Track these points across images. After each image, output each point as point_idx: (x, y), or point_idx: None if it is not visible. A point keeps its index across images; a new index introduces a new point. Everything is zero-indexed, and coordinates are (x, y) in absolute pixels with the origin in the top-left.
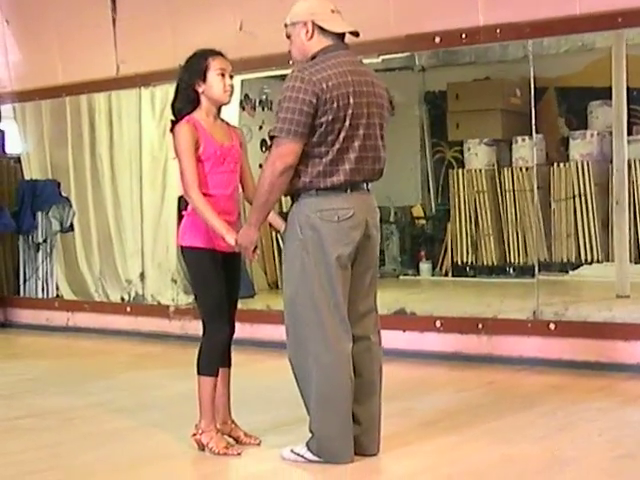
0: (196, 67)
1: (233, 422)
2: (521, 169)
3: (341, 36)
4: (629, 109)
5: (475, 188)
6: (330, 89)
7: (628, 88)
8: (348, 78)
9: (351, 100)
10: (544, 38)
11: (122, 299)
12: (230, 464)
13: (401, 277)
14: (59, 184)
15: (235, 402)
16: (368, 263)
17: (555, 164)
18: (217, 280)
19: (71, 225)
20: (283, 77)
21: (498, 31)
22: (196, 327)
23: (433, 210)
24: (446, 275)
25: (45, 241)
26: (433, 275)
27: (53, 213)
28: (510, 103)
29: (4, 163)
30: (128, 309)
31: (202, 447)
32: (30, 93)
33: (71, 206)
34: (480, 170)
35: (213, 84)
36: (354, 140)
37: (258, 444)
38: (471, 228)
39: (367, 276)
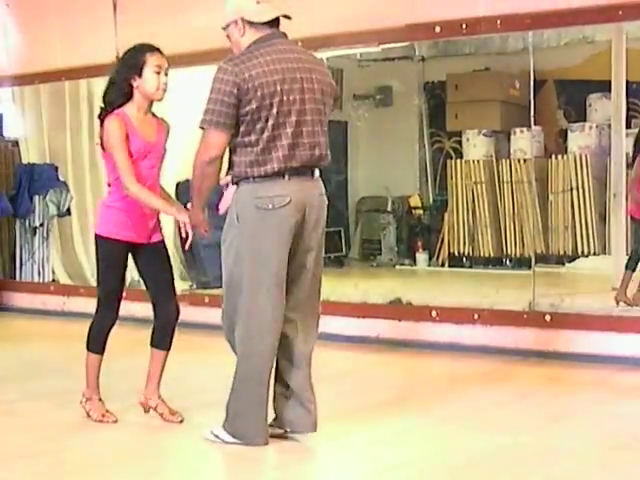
0: (133, 61)
1: (160, 398)
2: (519, 161)
3: (275, 25)
4: (628, 102)
5: (473, 179)
6: (253, 78)
7: (627, 81)
8: (276, 66)
9: (278, 87)
10: (544, 30)
11: None
12: (219, 452)
13: (397, 267)
14: (57, 168)
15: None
16: (306, 248)
17: (553, 156)
18: (117, 271)
19: (68, 210)
20: None
21: (498, 22)
22: (192, 313)
23: (430, 200)
24: (442, 265)
25: (42, 225)
26: (429, 265)
27: (50, 197)
28: (509, 94)
29: (2, 147)
30: (123, 294)
31: (87, 414)
32: (29, 77)
33: (68, 190)
34: (478, 161)
35: (148, 80)
36: (285, 127)
37: (180, 421)
38: (468, 219)
39: (307, 261)
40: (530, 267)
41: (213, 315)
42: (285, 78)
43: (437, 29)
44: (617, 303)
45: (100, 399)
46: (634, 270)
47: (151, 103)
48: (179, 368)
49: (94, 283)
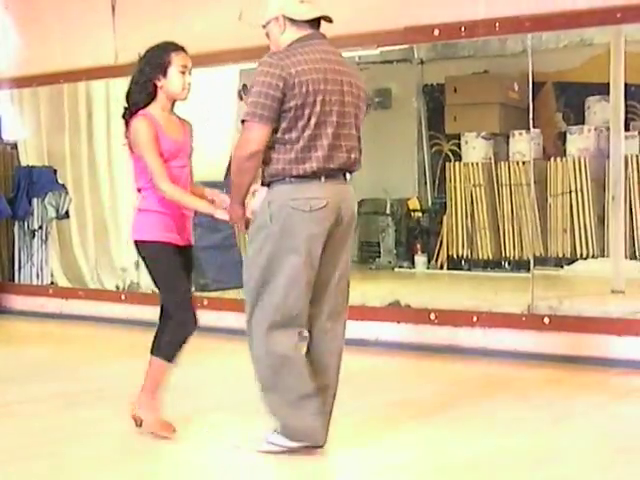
0: (158, 61)
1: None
2: (518, 163)
3: (316, 26)
4: (627, 105)
5: (472, 182)
6: (299, 73)
7: (626, 84)
8: (320, 65)
9: (322, 86)
10: (543, 32)
11: (117, 287)
12: (217, 456)
13: (396, 269)
14: (55, 171)
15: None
16: (338, 252)
17: (552, 159)
18: (179, 270)
19: (67, 212)
20: None
21: (497, 24)
22: None
23: (429, 203)
24: (441, 268)
25: (40, 228)
26: (428, 268)
27: (49, 200)
28: (508, 97)
29: (0, 149)
30: (123, 297)
31: (139, 424)
32: (28, 79)
33: (67, 193)
34: (477, 164)
35: (173, 80)
36: (326, 127)
37: (174, 432)
38: (467, 222)
39: (338, 265)
40: (529, 270)
41: (212, 318)
42: (327, 78)
43: (436, 32)
44: None
45: (157, 408)
46: None
47: (174, 103)
48: (176, 371)
49: (93, 286)
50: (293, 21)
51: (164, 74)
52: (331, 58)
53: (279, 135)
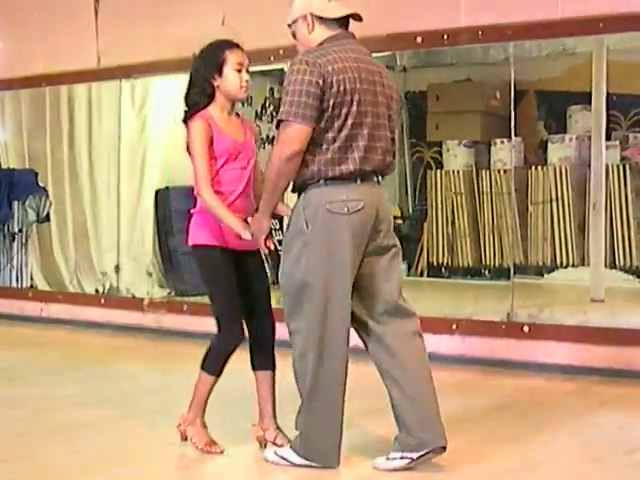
0: (213, 59)
1: (278, 428)
2: (499, 171)
3: (345, 25)
4: (608, 114)
5: (453, 189)
6: (336, 72)
7: (608, 93)
8: (355, 64)
9: (358, 85)
10: (525, 41)
11: (97, 291)
12: (196, 461)
13: None
14: (37, 174)
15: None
16: (379, 254)
17: (533, 167)
18: (227, 277)
19: (47, 215)
20: (264, 73)
21: (480, 33)
22: (170, 321)
23: (410, 210)
24: (421, 275)
25: (21, 231)
26: (408, 275)
27: (30, 203)
28: (490, 105)
29: None
30: (102, 301)
31: (185, 438)
32: (9, 82)
33: (48, 196)
34: (458, 171)
35: (229, 79)
36: (362, 127)
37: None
38: (448, 229)
39: (388, 265)
40: (509, 278)
41: (192, 322)
42: (362, 78)
43: (418, 39)
44: None
45: (205, 425)
46: None
47: (234, 103)
48: (160, 377)
49: (72, 289)
50: (322, 19)
51: (220, 73)
52: (363, 58)
53: (315, 135)
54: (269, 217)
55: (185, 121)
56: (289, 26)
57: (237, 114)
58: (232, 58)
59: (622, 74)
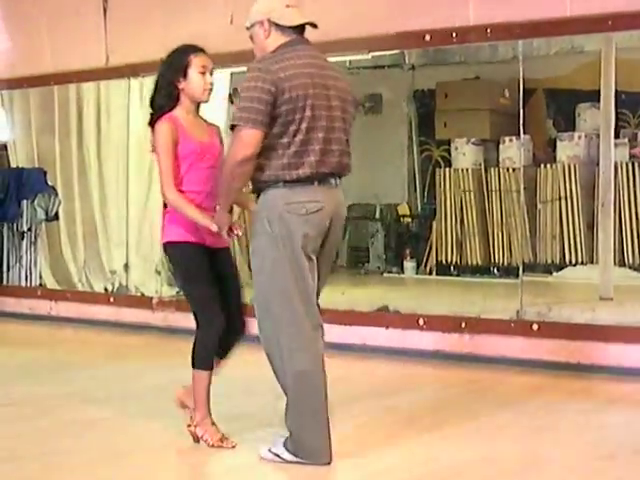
0: (178, 63)
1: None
2: (508, 170)
3: (301, 31)
4: (617, 112)
5: (461, 187)
6: (288, 78)
7: (616, 91)
8: (307, 70)
9: (310, 90)
10: (534, 39)
11: (105, 289)
12: (202, 459)
13: (385, 275)
14: (45, 173)
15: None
16: (327, 254)
17: (542, 165)
18: (202, 271)
19: (56, 214)
20: None
21: (488, 31)
22: (179, 319)
23: (419, 209)
24: (430, 274)
25: (30, 230)
26: (417, 273)
27: (38, 202)
28: (498, 103)
29: None
30: (111, 299)
31: (197, 439)
32: (19, 81)
33: (57, 195)
34: (467, 170)
35: (194, 81)
36: (317, 131)
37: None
38: (456, 228)
39: (324, 267)
40: (517, 276)
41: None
42: (315, 82)
43: (427, 37)
44: None
45: (213, 422)
46: None
47: (198, 105)
48: (168, 375)
49: (81, 288)
50: (278, 26)
51: (184, 76)
52: (316, 63)
53: (269, 141)
54: (226, 211)
55: (151, 124)
56: (247, 29)
57: (201, 117)
58: (197, 61)
59: (631, 72)
